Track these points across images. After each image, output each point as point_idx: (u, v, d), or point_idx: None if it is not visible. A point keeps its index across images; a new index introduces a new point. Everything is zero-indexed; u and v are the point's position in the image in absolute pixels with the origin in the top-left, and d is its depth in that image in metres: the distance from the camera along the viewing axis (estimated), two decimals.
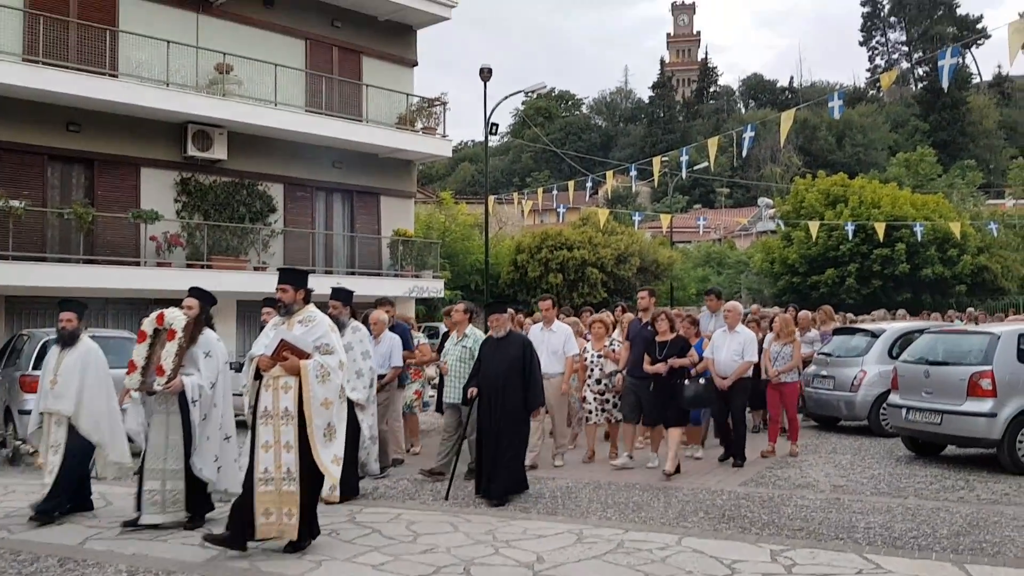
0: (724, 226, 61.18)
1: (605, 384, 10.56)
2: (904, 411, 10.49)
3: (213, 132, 18.56)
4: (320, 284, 19.83)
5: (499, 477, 8.31)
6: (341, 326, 8.20)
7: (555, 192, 30.33)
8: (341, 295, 8.91)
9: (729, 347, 10.30)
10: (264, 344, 6.58)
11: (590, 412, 10.72)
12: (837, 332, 14.48)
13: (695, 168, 40.79)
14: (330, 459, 6.35)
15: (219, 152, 18.70)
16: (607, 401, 10.58)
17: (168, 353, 7.18)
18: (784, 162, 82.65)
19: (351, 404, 7.67)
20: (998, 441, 9.52)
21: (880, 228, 29.27)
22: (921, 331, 12.27)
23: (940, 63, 13.01)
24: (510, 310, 9.76)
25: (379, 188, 22.40)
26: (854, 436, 12.72)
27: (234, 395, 8.03)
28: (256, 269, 18.99)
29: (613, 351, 10.68)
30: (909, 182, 48.13)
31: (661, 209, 54.98)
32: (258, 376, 6.52)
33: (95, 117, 17.32)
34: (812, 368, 13.52)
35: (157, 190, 18.31)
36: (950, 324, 14.93)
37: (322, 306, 8.18)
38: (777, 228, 40.36)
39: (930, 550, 6.54)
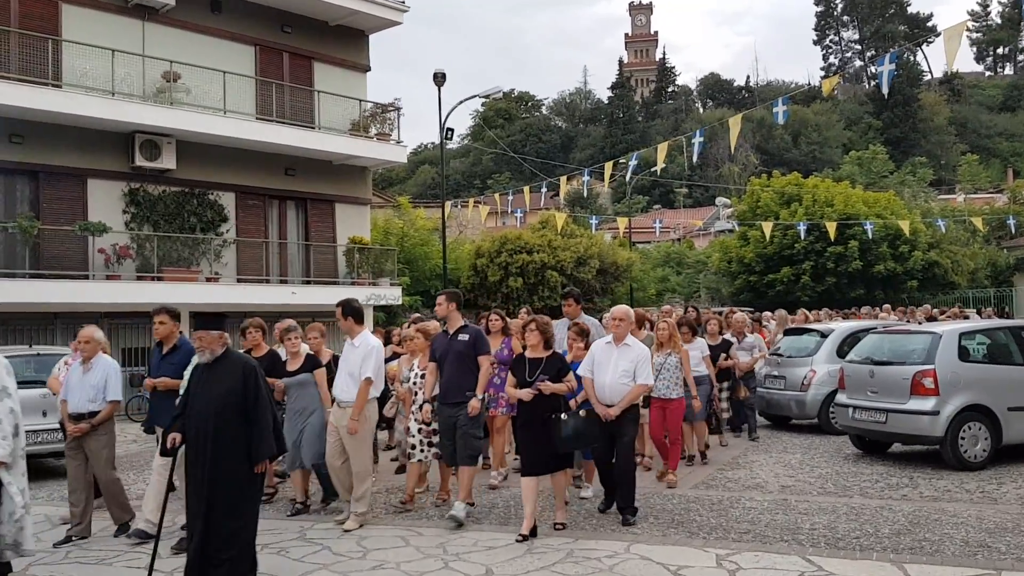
0: (683, 226, 61.66)
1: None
2: (851, 410, 10.67)
3: (161, 141, 18.30)
4: (276, 294, 20.03)
5: (213, 558, 5.96)
6: None
7: (511, 196, 30.39)
8: None
9: (617, 365, 7.81)
10: None
11: (413, 447, 8.63)
12: (788, 332, 14.74)
13: (652, 169, 41.11)
14: None
15: (168, 162, 18.45)
16: (435, 432, 8.52)
17: None
18: (741, 161, 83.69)
19: None
20: (941, 438, 9.71)
21: (832, 228, 29.75)
22: (868, 331, 12.47)
23: (879, 68, 13.36)
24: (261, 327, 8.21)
25: (334, 195, 22.23)
26: (805, 435, 12.91)
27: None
28: (208, 280, 18.77)
29: None
30: (862, 180, 48.90)
31: (621, 210, 55.32)
32: None
33: (39, 128, 17.00)
34: (764, 368, 13.71)
35: (105, 201, 18.01)
36: (896, 323, 15.19)
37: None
38: (734, 228, 40.79)
39: (871, 550, 6.65)
